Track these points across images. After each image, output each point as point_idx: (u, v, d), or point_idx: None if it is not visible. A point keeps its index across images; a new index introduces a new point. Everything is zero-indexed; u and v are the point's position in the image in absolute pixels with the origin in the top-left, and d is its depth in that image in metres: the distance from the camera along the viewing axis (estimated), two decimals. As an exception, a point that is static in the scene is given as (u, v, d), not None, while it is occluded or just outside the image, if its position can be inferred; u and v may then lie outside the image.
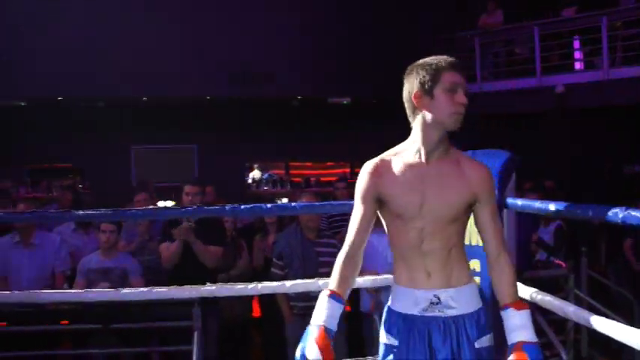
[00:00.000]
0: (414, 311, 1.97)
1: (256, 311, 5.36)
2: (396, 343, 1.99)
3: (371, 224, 2.02)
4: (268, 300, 4.68)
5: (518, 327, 1.88)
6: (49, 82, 8.44)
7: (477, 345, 1.94)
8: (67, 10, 8.49)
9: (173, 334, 4.19)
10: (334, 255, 4.16)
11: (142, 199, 5.10)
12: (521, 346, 1.86)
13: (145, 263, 4.55)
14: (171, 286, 3.13)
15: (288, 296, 4.27)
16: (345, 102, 9.69)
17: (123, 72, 8.45)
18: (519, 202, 2.31)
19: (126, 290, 3.01)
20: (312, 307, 4.15)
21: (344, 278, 1.98)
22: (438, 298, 1.95)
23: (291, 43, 8.92)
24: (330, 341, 1.87)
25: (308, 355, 1.83)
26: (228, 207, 2.80)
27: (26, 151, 9.55)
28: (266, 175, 11.22)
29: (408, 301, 1.99)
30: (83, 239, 5.13)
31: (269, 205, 3.03)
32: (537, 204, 2.21)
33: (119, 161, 9.88)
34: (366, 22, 9.15)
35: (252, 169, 11.31)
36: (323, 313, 1.92)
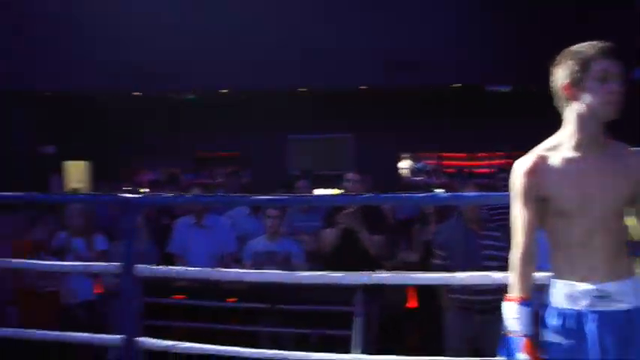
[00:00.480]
0: (580, 307, 1.89)
1: (412, 302, 5.31)
2: (564, 341, 1.91)
3: (537, 224, 1.96)
4: (425, 290, 4.62)
5: None
6: (215, 75, 8.99)
7: None
8: (226, 10, 8.93)
9: (332, 318, 4.28)
10: (498, 248, 4.09)
11: (303, 186, 5.26)
12: None
13: (309, 247, 4.69)
14: (340, 272, 3.16)
15: (448, 288, 4.18)
16: (503, 90, 9.25)
17: (284, 64, 8.76)
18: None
19: (300, 273, 3.09)
20: (474, 302, 4.05)
21: (526, 281, 1.96)
22: (606, 292, 1.86)
23: (448, 29, 8.67)
24: (537, 349, 1.89)
25: None
26: (403, 195, 2.75)
27: (194, 139, 10.29)
28: (419, 165, 11.10)
29: (574, 296, 1.90)
30: (255, 224, 5.34)
31: (446, 194, 2.95)
32: None
33: (277, 150, 10.31)
34: (525, 5, 8.66)
35: (404, 159, 11.25)
36: (520, 322, 1.91)
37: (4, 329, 3.29)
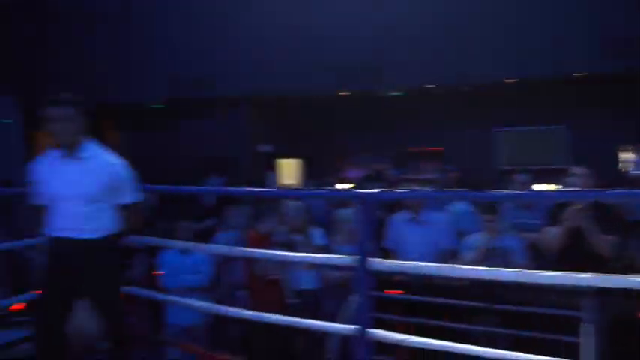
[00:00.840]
0: None
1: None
2: None
3: None
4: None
5: None
6: (419, 73, 9.01)
7: None
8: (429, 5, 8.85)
9: (555, 323, 4.05)
10: None
11: (521, 181, 5.04)
12: None
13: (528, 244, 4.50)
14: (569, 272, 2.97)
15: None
16: None
17: (487, 54, 8.50)
18: None
19: (511, 271, 2.97)
20: None
21: None
22: None
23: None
24: None
25: None
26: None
27: (398, 135, 10.43)
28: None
29: None
30: (475, 220, 5.21)
31: None
32: None
33: (481, 144, 10.04)
34: None
35: (624, 152, 10.24)
36: None
37: (239, 310, 3.62)
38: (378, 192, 2.80)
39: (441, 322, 4.44)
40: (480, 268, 3.87)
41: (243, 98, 10.15)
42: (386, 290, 4.68)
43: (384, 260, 2.89)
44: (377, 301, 4.93)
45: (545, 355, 2.81)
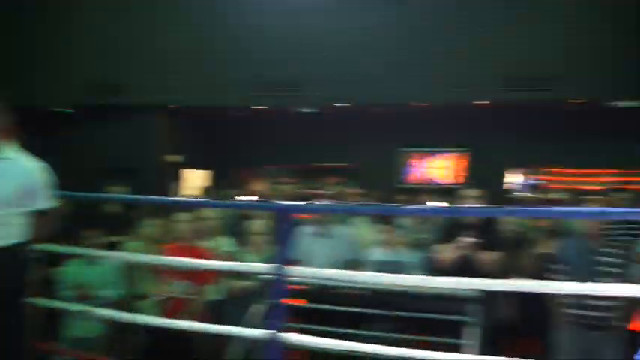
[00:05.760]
0: None
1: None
2: None
3: None
4: (537, 306, 4.68)
5: None
6: (333, 89, 9.36)
7: None
8: (350, 24, 9.25)
9: (444, 327, 4.43)
10: (616, 265, 4.10)
11: (425, 200, 5.46)
12: None
13: (424, 260, 4.86)
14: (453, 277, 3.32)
15: (562, 303, 4.25)
16: (623, 105, 8.95)
17: (401, 78, 8.99)
18: None
19: (415, 277, 3.29)
20: (583, 316, 4.07)
21: None
22: None
23: (568, 44, 8.55)
24: None
25: None
26: (533, 209, 2.83)
27: (312, 151, 10.75)
28: (529, 182, 10.92)
29: None
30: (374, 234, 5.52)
31: (571, 209, 3.02)
32: None
33: (386, 163, 10.55)
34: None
35: (512, 175, 11.12)
36: None
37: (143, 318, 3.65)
38: (290, 204, 3.01)
39: (344, 330, 4.75)
40: (383, 274, 4.19)
41: (157, 107, 10.09)
42: (291, 300, 4.90)
43: (301, 268, 3.09)
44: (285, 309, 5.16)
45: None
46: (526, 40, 8.66)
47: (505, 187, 10.63)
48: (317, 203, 4.28)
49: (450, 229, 4.47)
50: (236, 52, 9.54)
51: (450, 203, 5.76)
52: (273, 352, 2.87)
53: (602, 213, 3.64)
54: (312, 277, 3.77)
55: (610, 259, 4.20)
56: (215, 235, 4.97)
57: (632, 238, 4.83)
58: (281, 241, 2.81)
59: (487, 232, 4.35)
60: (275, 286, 2.88)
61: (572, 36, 8.54)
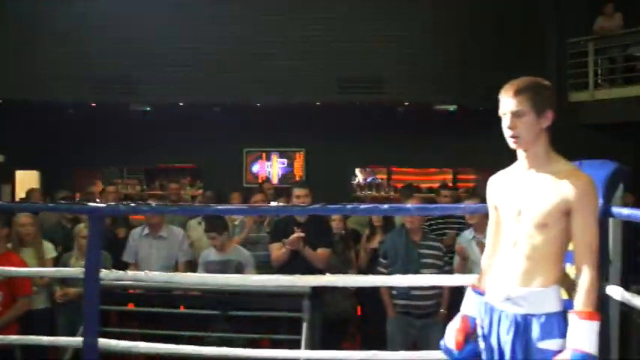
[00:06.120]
0: (494, 302, 2.20)
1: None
2: (483, 324, 2.25)
3: (500, 227, 2.27)
4: (371, 298, 4.89)
5: (576, 334, 1.97)
6: (171, 88, 9.12)
7: (539, 346, 2.05)
8: (184, 22, 9.09)
9: (282, 324, 4.49)
10: (437, 257, 4.41)
11: (260, 199, 5.48)
12: (570, 351, 1.95)
13: (260, 258, 4.89)
14: (282, 275, 3.38)
15: (391, 295, 4.47)
16: (451, 109, 9.67)
17: (236, 78, 8.98)
18: (625, 211, 2.34)
19: (240, 276, 3.30)
20: (411, 306, 4.34)
21: (483, 273, 2.35)
22: (509, 296, 2.13)
23: (399, 49, 9.04)
24: (468, 324, 2.29)
25: (446, 339, 2.33)
26: (349, 206, 2.93)
27: (154, 151, 10.40)
28: (370, 179, 11.45)
29: (492, 292, 2.22)
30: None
31: (385, 206, 3.17)
32: (640, 212, 2.24)
33: (232, 163, 10.50)
34: (478, 29, 9.11)
35: (355, 174, 11.60)
36: (465, 304, 2.36)
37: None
38: (104, 206, 2.87)
39: (179, 332, 4.65)
40: (208, 275, 4.16)
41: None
42: (120, 304, 4.70)
43: (113, 271, 2.96)
44: (115, 315, 4.95)
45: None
46: (360, 45, 9.00)
47: (347, 185, 11.02)
48: (135, 205, 4.09)
49: (282, 227, 4.53)
50: (66, 47, 8.95)
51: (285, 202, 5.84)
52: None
53: (425, 209, 3.92)
54: (133, 280, 3.60)
55: (433, 252, 4.49)
56: (34, 240, 4.60)
57: (455, 231, 5.23)
58: (93, 243, 2.66)
59: (317, 229, 4.45)
60: (87, 290, 2.72)
61: (403, 44, 9.02)
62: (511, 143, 2.14)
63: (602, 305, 2.30)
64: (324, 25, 9.06)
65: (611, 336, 2.44)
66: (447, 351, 2.35)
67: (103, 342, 2.76)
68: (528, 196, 2.13)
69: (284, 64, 8.97)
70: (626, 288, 2.45)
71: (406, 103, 9.46)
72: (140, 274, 2.99)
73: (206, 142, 10.03)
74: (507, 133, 2.13)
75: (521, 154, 2.18)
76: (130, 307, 4.68)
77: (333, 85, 9.09)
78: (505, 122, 2.13)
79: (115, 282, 4.06)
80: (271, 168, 10.68)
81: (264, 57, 8.98)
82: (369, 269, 4.89)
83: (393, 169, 11.98)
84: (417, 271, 4.22)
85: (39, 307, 4.51)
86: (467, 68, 8.92)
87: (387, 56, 8.94)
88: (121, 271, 3.05)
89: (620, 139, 8.93)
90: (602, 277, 2.32)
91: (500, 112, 2.15)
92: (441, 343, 2.37)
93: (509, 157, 2.28)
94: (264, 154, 10.76)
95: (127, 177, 12.02)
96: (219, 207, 3.00)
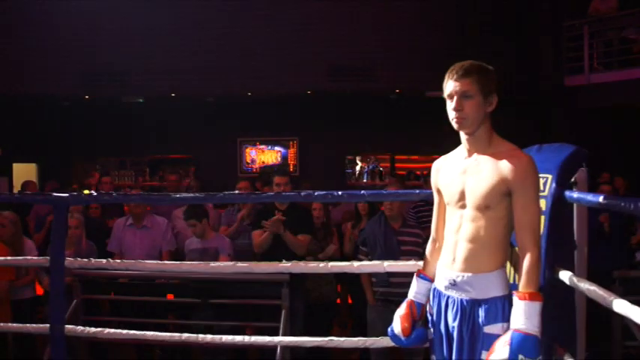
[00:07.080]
0: (441, 288, 2.22)
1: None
2: (431, 310, 2.27)
3: (444, 211, 2.27)
4: (351, 286, 4.91)
5: (517, 315, 1.97)
6: (164, 80, 9.16)
7: (486, 330, 2.07)
8: (175, 15, 9.09)
9: (264, 311, 4.52)
10: (417, 244, 4.39)
11: (244, 186, 5.51)
12: (511, 332, 1.96)
13: (243, 247, 4.92)
14: (256, 262, 3.41)
15: (371, 282, 4.49)
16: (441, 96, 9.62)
17: (229, 69, 8.99)
18: (575, 195, 2.33)
19: (215, 264, 3.33)
20: (391, 293, 4.34)
21: (428, 259, 2.36)
22: (454, 281, 2.14)
23: (390, 36, 9.01)
24: (414, 310, 2.31)
25: (393, 326, 2.34)
26: (321, 193, 2.94)
27: (151, 142, 10.47)
28: (372, 166, 11.39)
29: (439, 278, 2.24)
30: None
31: (363, 192, 3.15)
32: (590, 197, 2.23)
33: (227, 153, 10.55)
34: (472, 15, 9.07)
35: (355, 162, 11.56)
36: (411, 290, 2.36)
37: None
38: (68, 196, 2.90)
39: (162, 321, 4.70)
40: (187, 262, 4.19)
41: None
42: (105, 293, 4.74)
43: (78, 259, 3.00)
44: (104, 304, 5.00)
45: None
46: (350, 33, 8.98)
47: (343, 174, 11.02)
48: (96, 194, 4.13)
49: (263, 215, 4.55)
50: (61, 42, 9.00)
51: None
52: (55, 345, 2.79)
53: (405, 194, 3.91)
54: (99, 268, 3.64)
55: (414, 239, 4.48)
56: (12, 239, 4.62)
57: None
58: (57, 232, 2.71)
59: (297, 215, 4.47)
60: (53, 278, 2.77)
61: (391, 32, 8.98)
62: (455, 125, 2.13)
63: (565, 291, 2.31)
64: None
65: (577, 322, 2.42)
66: (394, 337, 2.37)
67: (70, 328, 2.80)
68: (470, 180, 2.13)
69: (274, 54, 8.96)
70: (607, 274, 2.39)
71: (395, 91, 9.44)
72: (103, 261, 3.02)
73: (200, 132, 10.08)
74: (452, 114, 2.12)
75: (464, 137, 2.19)
76: (112, 296, 4.74)
77: (324, 74, 9.08)
78: (451, 104, 2.12)
79: (100, 271, 4.17)
80: (264, 156, 10.73)
81: (254, 47, 8.98)
82: (354, 257, 4.91)
83: (397, 157, 11.91)
84: (395, 259, 4.23)
85: (25, 297, 4.57)
86: (459, 55, 8.84)
87: (376, 45, 8.92)
88: (85, 259, 3.09)
89: (617, 122, 8.86)
90: (563, 262, 2.32)
91: (446, 94, 2.14)
92: (389, 329, 2.39)
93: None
94: (258, 143, 10.79)
95: (130, 168, 12.07)
96: (177, 196, 3.01)
